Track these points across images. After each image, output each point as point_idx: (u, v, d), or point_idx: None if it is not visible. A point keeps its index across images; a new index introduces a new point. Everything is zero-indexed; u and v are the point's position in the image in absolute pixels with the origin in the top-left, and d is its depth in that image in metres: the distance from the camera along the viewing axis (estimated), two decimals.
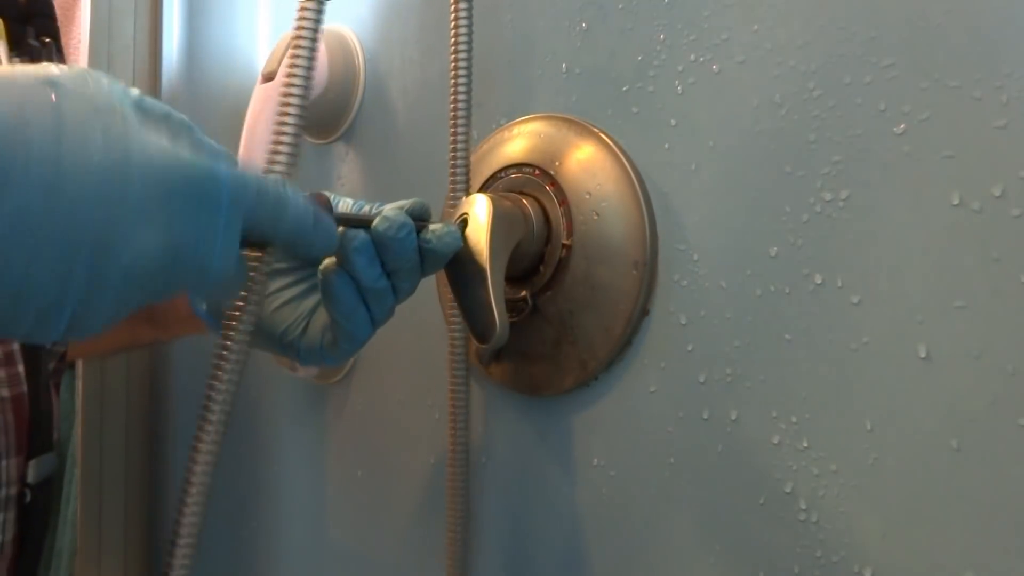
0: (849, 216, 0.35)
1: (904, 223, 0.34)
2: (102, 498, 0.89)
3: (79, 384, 0.89)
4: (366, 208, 0.42)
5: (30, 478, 0.52)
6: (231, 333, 0.36)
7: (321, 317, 0.42)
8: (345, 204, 0.43)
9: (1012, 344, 0.31)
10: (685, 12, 0.42)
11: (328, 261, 0.39)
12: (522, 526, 0.50)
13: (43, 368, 0.54)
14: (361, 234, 0.38)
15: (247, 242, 0.33)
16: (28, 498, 0.52)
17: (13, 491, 0.50)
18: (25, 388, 0.52)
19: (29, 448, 0.52)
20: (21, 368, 0.52)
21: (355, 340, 0.40)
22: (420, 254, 0.40)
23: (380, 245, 0.38)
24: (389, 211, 0.39)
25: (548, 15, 0.49)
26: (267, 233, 0.32)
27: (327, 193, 0.40)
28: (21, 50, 0.76)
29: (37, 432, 0.53)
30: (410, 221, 0.39)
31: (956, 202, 0.32)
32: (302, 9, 0.39)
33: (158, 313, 0.52)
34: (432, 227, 0.40)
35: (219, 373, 0.36)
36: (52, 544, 0.96)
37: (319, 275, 0.40)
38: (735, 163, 0.40)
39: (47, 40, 0.61)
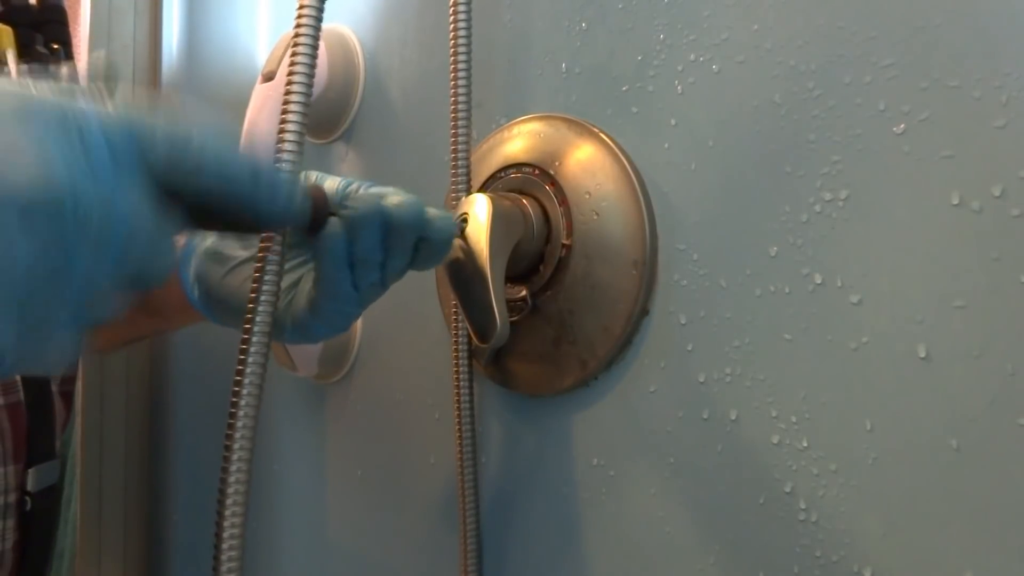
0: (849, 216, 0.35)
1: (904, 223, 0.34)
2: (102, 499, 0.89)
3: (79, 384, 0.89)
4: (354, 186, 0.42)
5: (30, 486, 0.51)
6: (249, 327, 0.36)
7: (304, 292, 0.41)
8: (332, 182, 0.42)
9: (1012, 344, 0.31)
10: (685, 12, 0.42)
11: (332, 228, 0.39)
12: (521, 526, 0.50)
13: (44, 377, 0.54)
14: (380, 212, 0.37)
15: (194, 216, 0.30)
16: (28, 506, 0.51)
17: (12, 499, 0.50)
18: (22, 396, 0.51)
19: (28, 456, 0.51)
20: (17, 376, 0.51)
21: (336, 297, 0.39)
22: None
23: (392, 226, 0.38)
24: (408, 197, 0.38)
25: (548, 15, 0.49)
26: (187, 183, 0.28)
27: (312, 175, 0.40)
28: (30, 57, 0.76)
29: (36, 440, 0.52)
30: (423, 209, 0.39)
31: (956, 202, 0.32)
32: (301, 8, 0.39)
33: (155, 303, 0.52)
34: (431, 211, 0.39)
35: (243, 368, 0.36)
36: (53, 546, 0.96)
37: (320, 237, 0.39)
38: (735, 163, 0.40)
39: (56, 47, 0.61)
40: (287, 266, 0.43)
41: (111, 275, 0.26)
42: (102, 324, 0.28)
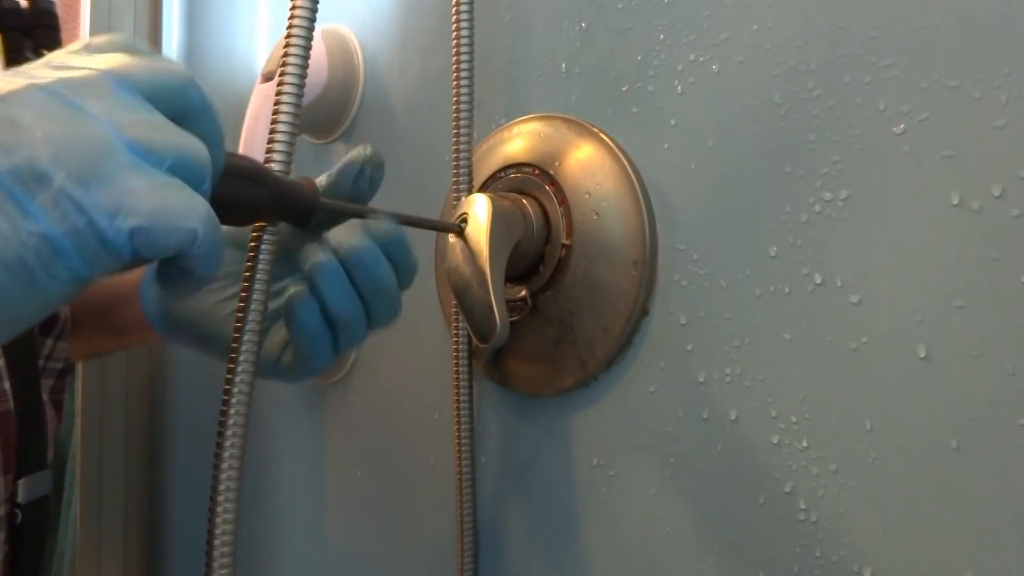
0: (849, 216, 0.35)
1: (904, 223, 0.34)
2: (102, 499, 0.89)
3: (79, 386, 0.89)
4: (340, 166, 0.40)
5: (21, 497, 0.50)
6: (240, 326, 0.36)
7: (279, 331, 0.41)
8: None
9: (1012, 344, 0.31)
10: (685, 12, 0.42)
11: (297, 289, 0.38)
12: (521, 526, 0.50)
13: (34, 385, 0.53)
14: (329, 260, 0.36)
15: None
16: (19, 518, 0.50)
17: (2, 511, 0.49)
18: (12, 405, 0.50)
19: (18, 467, 0.50)
20: (7, 385, 0.50)
21: (313, 365, 0.39)
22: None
23: (349, 268, 0.37)
24: (360, 240, 0.37)
25: (547, 15, 0.49)
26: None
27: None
28: (18, 63, 0.75)
29: (27, 450, 0.51)
30: (376, 247, 0.37)
31: (956, 202, 0.32)
32: (294, 8, 0.39)
33: (115, 320, 0.51)
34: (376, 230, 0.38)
35: (230, 387, 0.35)
36: (54, 548, 0.96)
37: (286, 301, 0.38)
38: (735, 163, 0.40)
39: (45, 52, 0.61)
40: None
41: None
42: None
